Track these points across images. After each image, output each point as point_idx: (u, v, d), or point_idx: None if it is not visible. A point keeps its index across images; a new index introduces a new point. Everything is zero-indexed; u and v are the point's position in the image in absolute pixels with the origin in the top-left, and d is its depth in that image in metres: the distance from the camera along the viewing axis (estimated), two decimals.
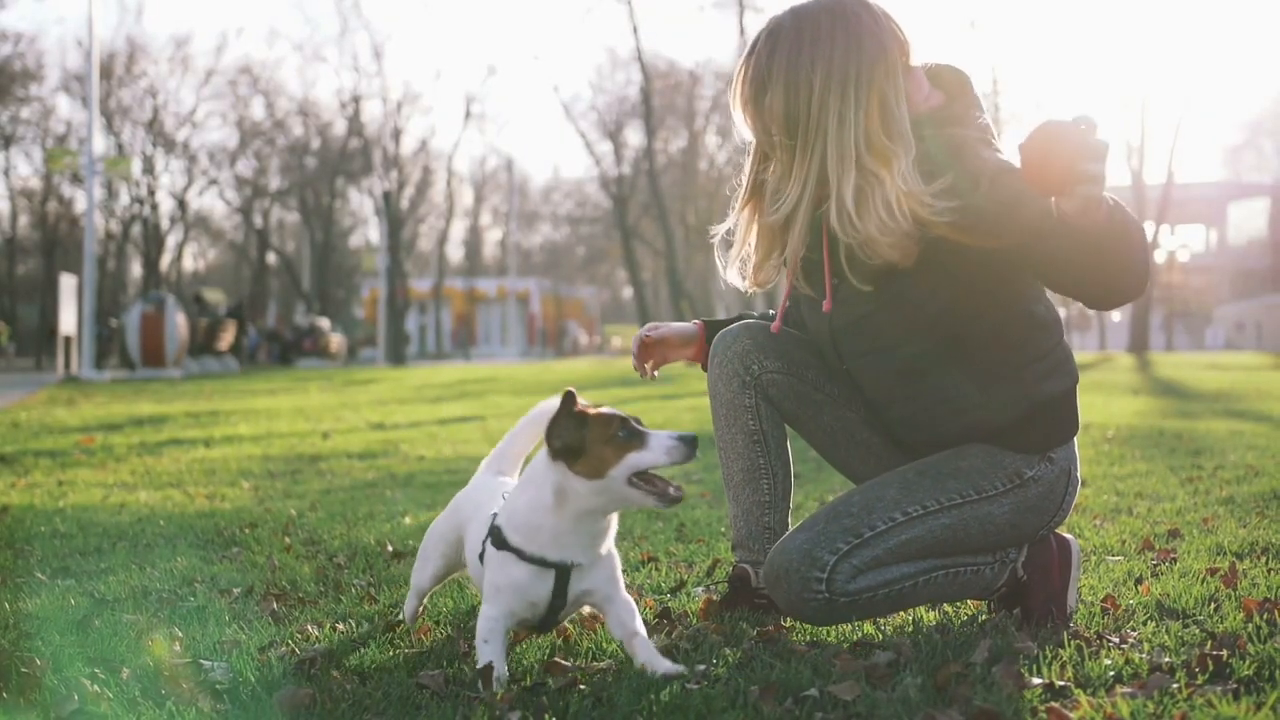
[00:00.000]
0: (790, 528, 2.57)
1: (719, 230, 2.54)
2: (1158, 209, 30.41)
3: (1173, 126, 31.90)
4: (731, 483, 2.61)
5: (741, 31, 33.38)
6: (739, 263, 2.50)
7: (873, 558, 2.25)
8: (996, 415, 2.35)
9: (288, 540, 3.86)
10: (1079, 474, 2.47)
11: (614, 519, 2.20)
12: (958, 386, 2.35)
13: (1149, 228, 30.38)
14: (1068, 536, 2.49)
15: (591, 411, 2.10)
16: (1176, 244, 48.58)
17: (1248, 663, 2.00)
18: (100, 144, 25.16)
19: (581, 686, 2.05)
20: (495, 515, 2.25)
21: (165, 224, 44.89)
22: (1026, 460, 2.36)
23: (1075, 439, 2.44)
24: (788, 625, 2.48)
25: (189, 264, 56.06)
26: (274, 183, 47.42)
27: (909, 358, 2.36)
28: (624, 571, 3.16)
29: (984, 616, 2.51)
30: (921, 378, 2.37)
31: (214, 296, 29.94)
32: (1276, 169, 56.68)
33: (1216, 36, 57.45)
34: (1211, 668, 1.99)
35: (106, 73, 40.00)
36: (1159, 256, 36.27)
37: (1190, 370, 19.34)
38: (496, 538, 2.19)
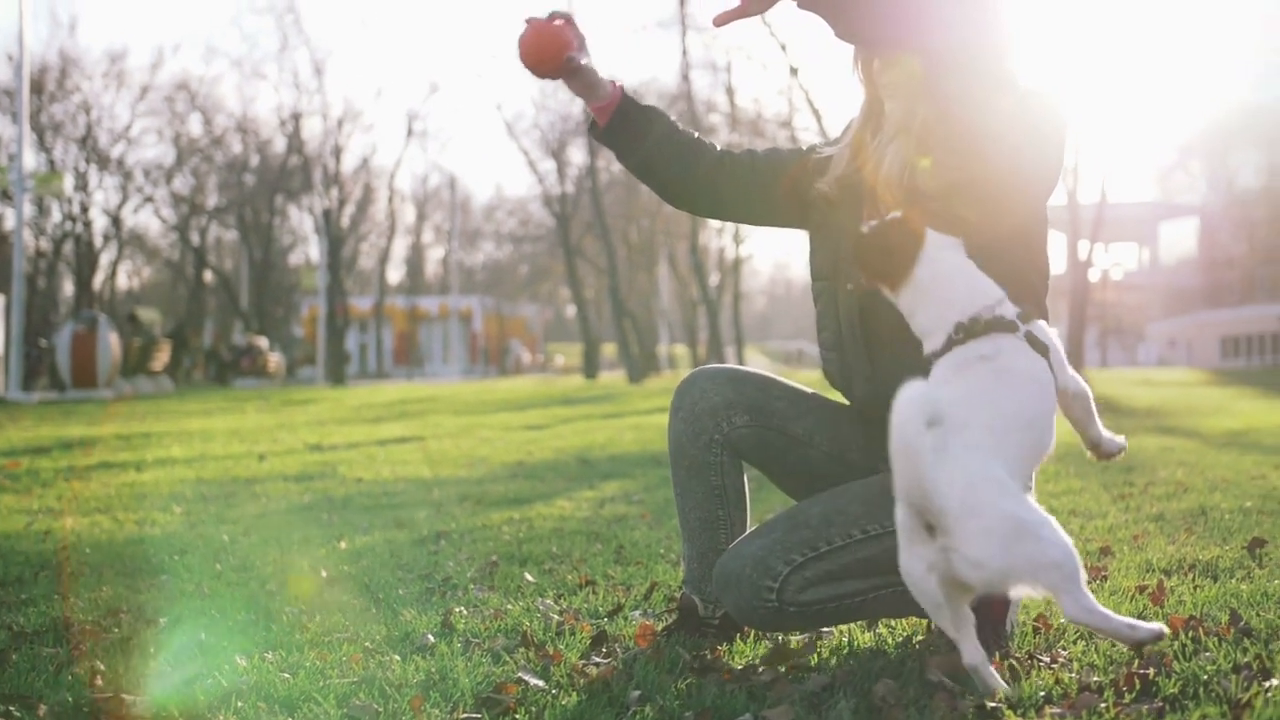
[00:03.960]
0: None
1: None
2: (1092, 227, 30.94)
3: (1106, 148, 32.54)
4: (688, 526, 2.58)
5: (684, 51, 33.53)
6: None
7: (826, 572, 2.26)
8: None
9: (219, 567, 3.79)
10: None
11: None
12: None
13: (1083, 246, 30.91)
14: None
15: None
16: (1110, 262, 49.52)
17: (1173, 681, 2.03)
18: (30, 160, 24.74)
19: (516, 716, 2.03)
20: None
21: (99, 242, 44.05)
22: None
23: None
24: (725, 651, 2.47)
25: (123, 282, 55.13)
26: (211, 200, 46.72)
27: None
28: (560, 595, 3.15)
29: (919, 638, 2.52)
30: None
31: (148, 315, 29.42)
32: (1205, 190, 57.99)
33: (1149, 61, 58.80)
34: (1138, 686, 2.01)
35: (38, 87, 39.23)
36: (1093, 275, 36.83)
37: (1123, 386, 19.69)
38: (1006, 326, 2.01)
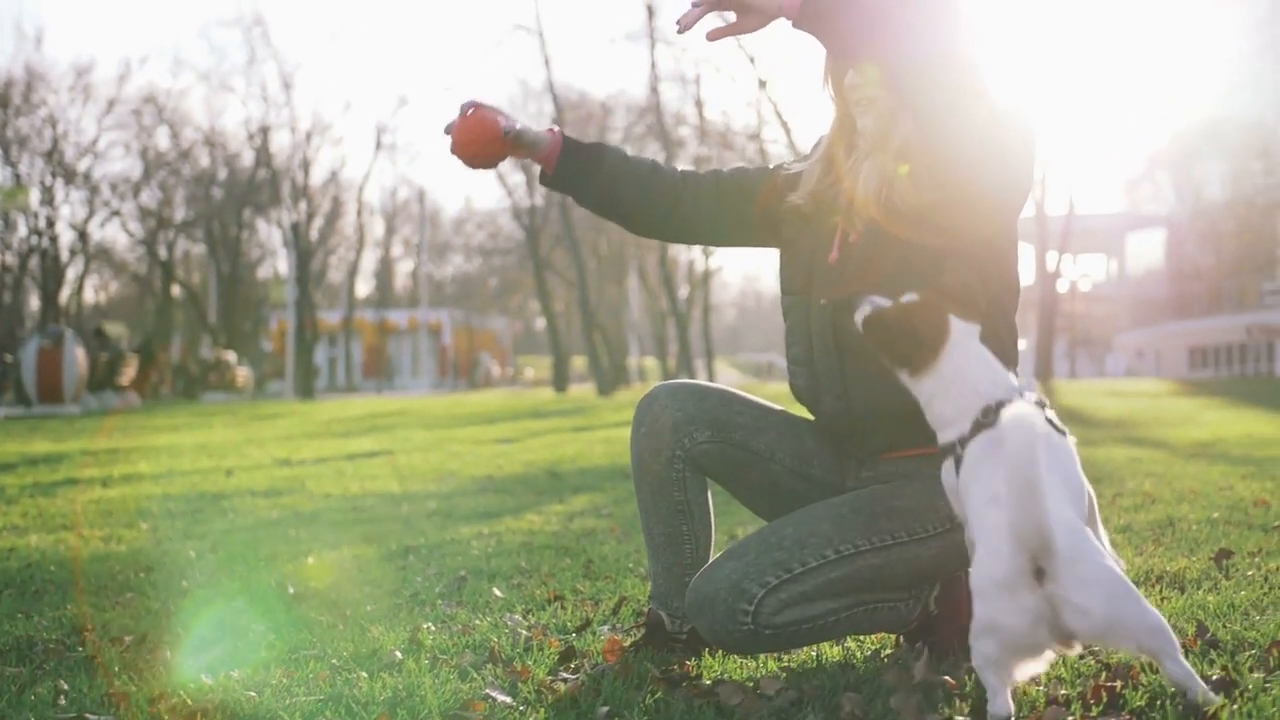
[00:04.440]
0: None
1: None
2: (1060, 239, 31.24)
3: (1074, 159, 32.92)
4: (653, 542, 2.57)
5: (653, 64, 33.64)
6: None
7: (800, 593, 2.25)
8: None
9: (185, 584, 3.75)
10: None
11: None
12: None
13: (1051, 257, 31.18)
14: None
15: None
16: (1078, 273, 50.00)
17: (1140, 693, 2.03)
18: None
19: None
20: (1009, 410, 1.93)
21: (65, 256, 43.65)
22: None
23: None
24: (693, 666, 2.46)
25: (90, 297, 54.67)
26: (179, 214, 46.42)
27: None
28: (529, 611, 3.14)
29: (887, 651, 2.52)
30: None
31: (115, 330, 29.16)
32: (1173, 201, 58.59)
33: (1116, 72, 59.34)
34: (1105, 699, 2.02)
35: (3, 101, 38.97)
36: (1061, 286, 37.17)
37: (1092, 397, 19.85)
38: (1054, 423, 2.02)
